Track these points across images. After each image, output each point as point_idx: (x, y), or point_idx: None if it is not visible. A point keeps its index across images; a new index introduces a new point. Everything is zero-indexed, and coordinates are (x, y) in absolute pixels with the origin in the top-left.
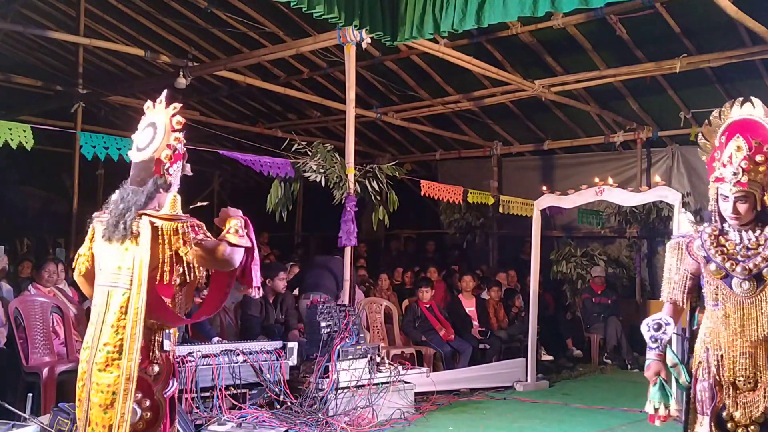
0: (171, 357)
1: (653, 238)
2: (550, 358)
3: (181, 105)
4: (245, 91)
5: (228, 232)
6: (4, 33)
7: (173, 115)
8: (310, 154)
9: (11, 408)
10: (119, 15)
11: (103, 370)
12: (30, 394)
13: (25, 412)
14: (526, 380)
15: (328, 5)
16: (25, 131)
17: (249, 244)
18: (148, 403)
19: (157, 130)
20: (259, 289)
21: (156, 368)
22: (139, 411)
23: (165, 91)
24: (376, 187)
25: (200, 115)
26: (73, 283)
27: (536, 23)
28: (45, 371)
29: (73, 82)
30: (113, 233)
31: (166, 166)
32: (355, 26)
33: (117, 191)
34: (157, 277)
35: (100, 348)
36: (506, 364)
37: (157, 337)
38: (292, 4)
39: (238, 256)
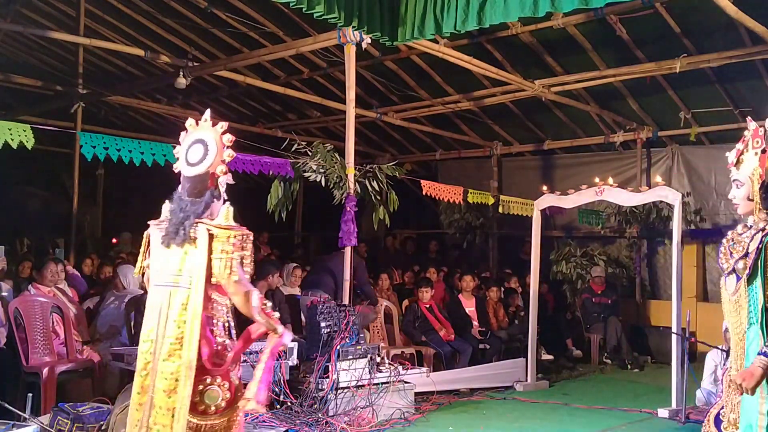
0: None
1: (653, 238)
2: (550, 357)
3: (227, 123)
4: (245, 91)
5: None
6: (4, 33)
7: (223, 133)
8: (310, 154)
9: (11, 408)
10: (119, 15)
11: (166, 360)
12: (30, 394)
13: (25, 412)
14: (526, 380)
15: (328, 5)
16: (25, 131)
17: (271, 327)
18: (227, 385)
19: (209, 147)
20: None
21: (228, 354)
22: (220, 393)
23: (208, 111)
24: (376, 187)
25: (200, 115)
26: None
27: (536, 23)
28: (45, 371)
29: (73, 82)
30: (173, 239)
31: (219, 179)
32: (355, 27)
33: (171, 201)
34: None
35: (165, 342)
36: (506, 364)
37: (221, 326)
38: (291, 4)
39: (257, 314)
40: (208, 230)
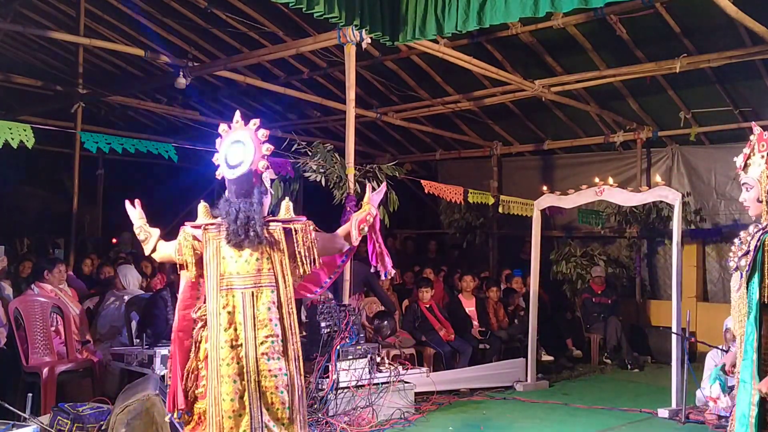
0: None
1: (653, 238)
2: (550, 358)
3: (259, 119)
4: (245, 91)
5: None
6: (4, 33)
7: (257, 129)
8: (310, 154)
9: (11, 408)
10: (119, 15)
11: (272, 358)
12: (30, 394)
13: (25, 412)
14: (526, 380)
15: (328, 5)
16: (25, 131)
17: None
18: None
19: (246, 145)
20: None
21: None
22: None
23: (238, 112)
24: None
25: (200, 115)
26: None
27: (536, 23)
28: (45, 371)
29: (73, 82)
30: (243, 241)
31: (263, 175)
32: (356, 26)
33: (222, 204)
34: (298, 272)
35: (261, 341)
36: (506, 364)
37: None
38: (291, 4)
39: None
40: (285, 228)
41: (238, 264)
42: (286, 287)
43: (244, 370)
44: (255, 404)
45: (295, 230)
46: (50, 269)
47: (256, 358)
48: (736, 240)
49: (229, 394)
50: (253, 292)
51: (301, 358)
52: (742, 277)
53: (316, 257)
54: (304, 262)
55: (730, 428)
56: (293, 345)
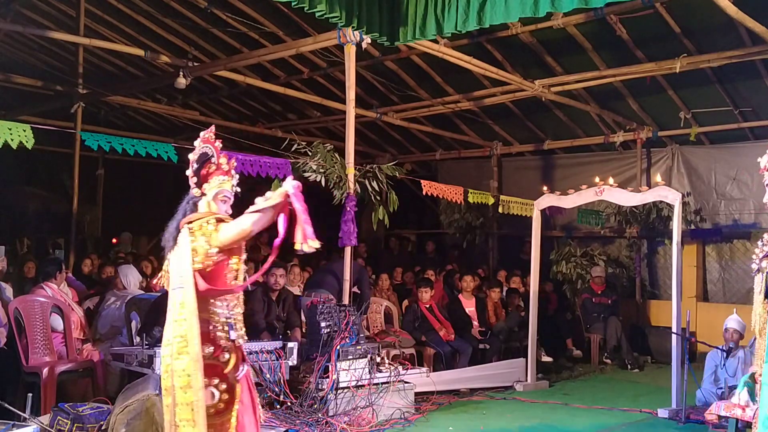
0: (238, 344)
1: (653, 238)
2: (550, 359)
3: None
4: (245, 91)
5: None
6: (4, 33)
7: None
8: (310, 154)
9: (11, 408)
10: (119, 15)
11: (177, 358)
12: (30, 394)
13: (25, 412)
14: (526, 380)
15: (329, 5)
16: (25, 131)
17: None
18: (224, 386)
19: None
20: (305, 242)
21: (226, 355)
22: (217, 394)
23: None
24: (376, 187)
25: (200, 115)
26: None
27: (536, 23)
28: (45, 371)
29: (73, 82)
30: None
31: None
32: (355, 27)
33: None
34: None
35: (171, 341)
36: (506, 364)
37: (219, 327)
38: (293, 4)
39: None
40: (185, 225)
41: (171, 267)
42: (189, 288)
43: (169, 368)
44: (172, 402)
45: (193, 228)
46: (60, 270)
47: (173, 358)
48: (759, 242)
49: (164, 386)
50: (173, 294)
51: (199, 360)
52: (764, 279)
53: (212, 234)
54: (202, 249)
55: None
56: (193, 347)
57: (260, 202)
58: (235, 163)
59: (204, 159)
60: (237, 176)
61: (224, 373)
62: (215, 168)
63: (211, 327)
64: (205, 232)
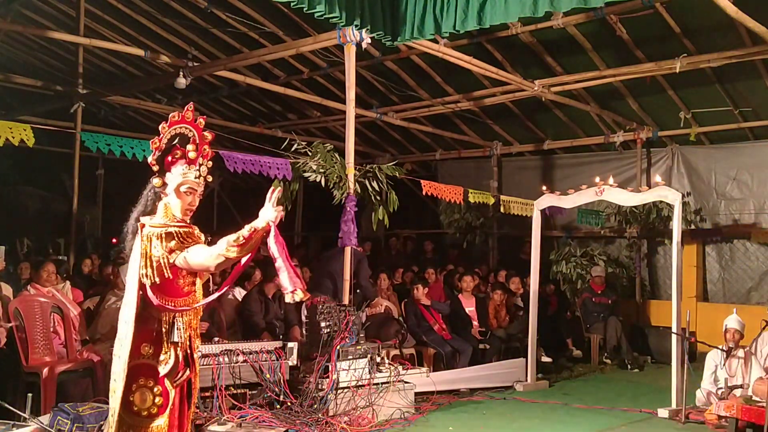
0: (182, 347)
1: (653, 238)
2: (550, 359)
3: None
4: (245, 91)
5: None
6: (4, 33)
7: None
8: (310, 154)
9: (11, 408)
10: (119, 15)
11: (113, 361)
12: (30, 394)
13: (25, 412)
14: (526, 380)
15: (329, 5)
16: (25, 130)
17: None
18: (157, 389)
19: None
20: (293, 293)
21: (163, 357)
22: (150, 396)
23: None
24: (376, 187)
25: (200, 115)
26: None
27: (536, 23)
28: (45, 371)
29: (73, 82)
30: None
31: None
32: (356, 26)
33: None
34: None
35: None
36: (506, 364)
37: (167, 327)
38: (292, 4)
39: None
40: (145, 226)
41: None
42: (131, 291)
43: None
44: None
45: (146, 235)
46: (39, 270)
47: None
48: None
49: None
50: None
51: (124, 365)
52: None
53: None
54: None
55: None
56: (124, 351)
57: (243, 232)
58: (208, 150)
59: (172, 144)
60: (208, 164)
61: (159, 375)
62: (180, 155)
63: (156, 326)
64: (164, 246)
